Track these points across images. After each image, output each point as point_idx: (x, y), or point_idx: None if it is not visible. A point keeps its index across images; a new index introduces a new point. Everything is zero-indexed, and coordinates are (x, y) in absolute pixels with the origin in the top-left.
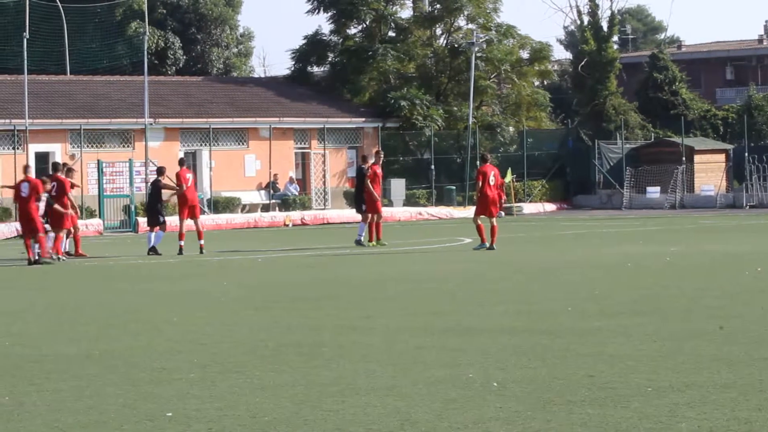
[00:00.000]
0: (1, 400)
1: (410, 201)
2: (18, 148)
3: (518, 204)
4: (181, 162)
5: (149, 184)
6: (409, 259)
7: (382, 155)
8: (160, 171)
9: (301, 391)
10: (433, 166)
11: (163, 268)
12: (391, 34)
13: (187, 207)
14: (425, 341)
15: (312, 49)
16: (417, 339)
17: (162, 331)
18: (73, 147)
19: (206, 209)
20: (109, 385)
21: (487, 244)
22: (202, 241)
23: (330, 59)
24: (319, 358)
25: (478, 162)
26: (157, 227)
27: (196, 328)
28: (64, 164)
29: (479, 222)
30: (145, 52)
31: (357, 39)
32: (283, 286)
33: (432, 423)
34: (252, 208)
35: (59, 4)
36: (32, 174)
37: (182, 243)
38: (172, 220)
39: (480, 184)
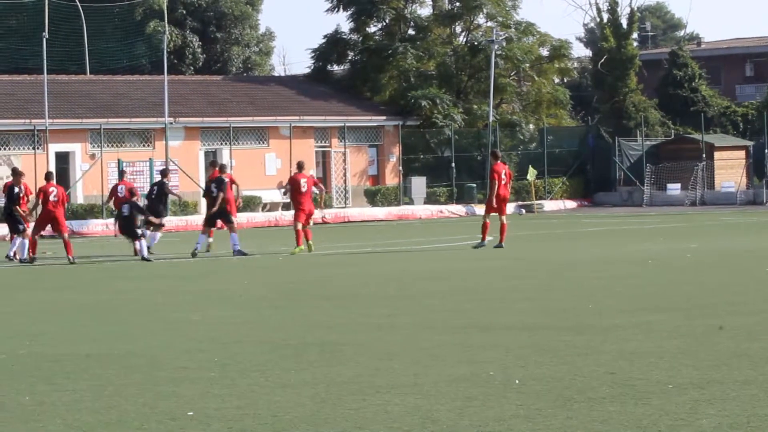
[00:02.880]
0: (22, 400)
1: (431, 199)
2: (38, 148)
3: (539, 201)
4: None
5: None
6: (430, 257)
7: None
8: (164, 173)
9: (322, 389)
10: (453, 164)
11: (184, 268)
12: (411, 32)
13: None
14: (446, 339)
15: (332, 47)
16: (437, 336)
17: (182, 330)
18: (93, 147)
19: None
20: (129, 385)
21: (486, 243)
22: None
23: (350, 58)
24: (340, 356)
25: (492, 159)
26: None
27: (216, 326)
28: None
29: (488, 221)
30: (165, 52)
31: (377, 37)
32: (303, 285)
33: (453, 421)
34: (273, 206)
35: (78, 4)
36: (127, 178)
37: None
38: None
39: (496, 183)
